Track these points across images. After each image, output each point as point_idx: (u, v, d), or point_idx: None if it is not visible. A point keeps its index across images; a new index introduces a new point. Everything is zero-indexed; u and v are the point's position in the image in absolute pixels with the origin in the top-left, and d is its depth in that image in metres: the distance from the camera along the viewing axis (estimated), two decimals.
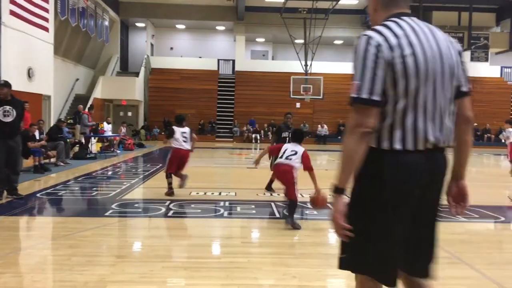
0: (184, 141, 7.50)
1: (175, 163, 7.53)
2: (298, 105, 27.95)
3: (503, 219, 6.57)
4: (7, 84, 7.18)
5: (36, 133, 10.99)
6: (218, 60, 30.33)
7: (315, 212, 6.50)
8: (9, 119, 6.88)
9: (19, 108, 7.11)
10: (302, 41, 25.42)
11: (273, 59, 32.56)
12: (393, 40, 1.83)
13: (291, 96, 24.59)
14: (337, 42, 32.14)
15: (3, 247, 4.75)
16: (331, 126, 27.51)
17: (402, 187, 1.85)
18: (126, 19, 29.09)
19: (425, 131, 1.87)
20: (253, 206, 6.74)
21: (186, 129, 7.61)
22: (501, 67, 30.79)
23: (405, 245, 1.93)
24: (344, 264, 1.99)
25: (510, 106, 29.67)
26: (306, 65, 24.78)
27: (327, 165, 15.18)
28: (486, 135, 28.26)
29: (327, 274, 3.91)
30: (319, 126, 27.32)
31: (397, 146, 1.86)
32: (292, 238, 5.29)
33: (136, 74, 27.31)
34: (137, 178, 9.98)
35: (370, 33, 1.87)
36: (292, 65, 27.52)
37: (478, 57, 26.71)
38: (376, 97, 1.81)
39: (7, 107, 6.89)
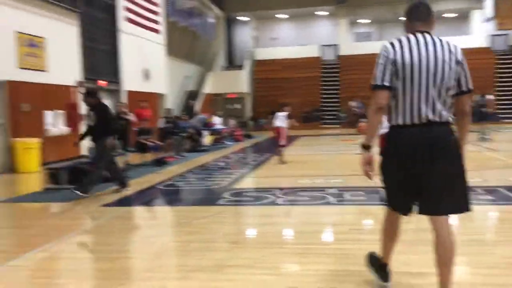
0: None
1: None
2: None
3: None
4: (88, 92, 7.77)
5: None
6: (321, 46, 30.02)
7: None
8: (91, 123, 7.41)
9: (100, 112, 7.39)
10: None
11: (378, 39, 31.39)
12: (397, 47, 2.74)
13: None
14: (448, 15, 29.95)
15: (129, 236, 5.26)
16: None
17: (401, 149, 2.73)
18: (230, 14, 29.99)
19: (419, 110, 2.69)
20: (362, 193, 6.63)
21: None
22: None
23: (421, 191, 2.72)
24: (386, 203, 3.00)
25: None
26: None
27: None
28: None
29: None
30: None
31: (400, 122, 2.75)
32: (404, 225, 5.11)
33: (241, 67, 28.10)
34: (247, 168, 10.34)
35: (385, 43, 2.82)
36: None
37: None
38: (386, 83, 2.71)
39: (90, 112, 7.43)
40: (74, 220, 6.09)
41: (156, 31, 18.36)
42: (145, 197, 7.51)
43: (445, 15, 29.74)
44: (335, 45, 29.84)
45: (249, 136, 20.32)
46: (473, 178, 7.36)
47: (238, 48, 31.63)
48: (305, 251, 4.15)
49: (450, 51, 2.71)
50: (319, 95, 28.51)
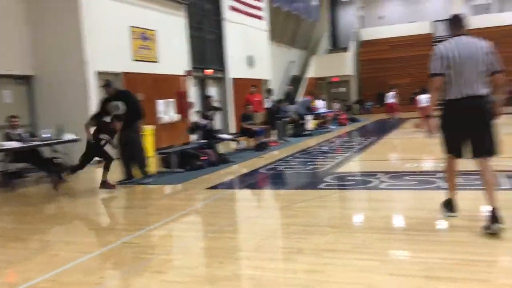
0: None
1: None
2: None
3: None
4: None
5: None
6: (432, 22, 28.09)
7: None
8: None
9: (128, 100, 7.43)
10: None
11: (498, 12, 28.54)
12: (447, 46, 3.97)
13: None
14: None
15: (232, 216, 5.41)
16: None
17: (451, 114, 4.02)
18: None
19: (464, 88, 3.88)
20: (475, 177, 6.09)
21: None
22: None
23: (467, 141, 3.95)
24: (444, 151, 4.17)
25: None
26: None
27: None
28: None
29: None
30: None
31: (449, 97, 3.97)
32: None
33: (346, 49, 27.39)
34: (350, 152, 10.08)
35: (438, 45, 4.06)
36: None
37: None
38: (438, 71, 3.95)
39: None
40: (183, 201, 6.42)
41: (259, 17, 18.56)
42: (247, 181, 7.67)
43: None
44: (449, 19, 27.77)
45: (354, 120, 19.80)
46: None
47: (342, 29, 30.84)
48: (412, 238, 3.92)
49: (479, 46, 3.93)
50: None
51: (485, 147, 3.91)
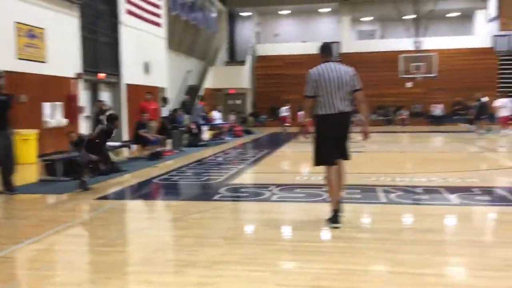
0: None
1: None
2: (409, 84, 26.59)
3: None
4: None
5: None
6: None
7: (425, 197, 6.16)
8: None
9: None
10: (411, 16, 24.03)
11: (381, 38, 31.26)
12: (318, 71, 4.75)
13: (401, 76, 23.48)
14: (451, 14, 29.82)
15: (123, 228, 5.22)
16: (447, 106, 25.73)
17: (323, 127, 4.78)
18: (233, 9, 29.87)
19: (334, 105, 4.70)
20: (358, 191, 6.58)
21: None
22: None
23: (335, 150, 4.78)
24: (315, 163, 4.93)
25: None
26: (417, 41, 23.41)
27: (444, 148, 14.31)
28: None
29: (436, 261, 3.68)
30: (433, 106, 25.76)
31: (322, 112, 4.74)
32: (400, 224, 5.08)
33: (243, 63, 28.00)
34: (245, 163, 10.28)
35: (310, 70, 4.82)
36: (401, 43, 26.22)
37: None
38: (309, 94, 4.80)
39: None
40: (68, 211, 6.04)
41: (157, 24, 18.26)
42: (140, 191, 7.46)
43: (448, 15, 29.62)
44: (337, 42, 29.72)
45: (249, 132, 20.25)
46: (471, 179, 7.35)
47: (240, 43, 31.51)
48: (298, 249, 4.10)
49: (344, 71, 4.79)
50: None
51: (346, 153, 4.86)
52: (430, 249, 3.96)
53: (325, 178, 4.86)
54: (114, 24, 15.42)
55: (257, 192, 6.79)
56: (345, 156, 4.85)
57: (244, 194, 6.89)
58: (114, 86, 15.49)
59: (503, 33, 26.60)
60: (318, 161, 4.86)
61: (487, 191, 6.51)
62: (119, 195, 6.95)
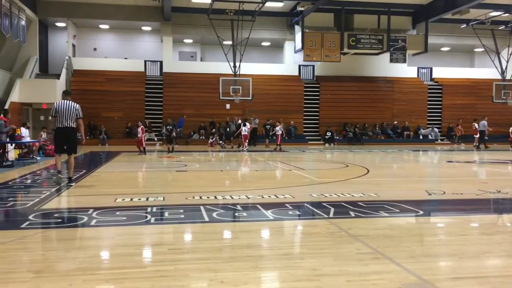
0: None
1: None
2: (228, 106, 28.02)
3: (421, 212, 6.93)
4: None
5: None
6: (145, 61, 29.62)
7: (244, 214, 6.50)
8: None
9: None
10: (230, 42, 25.48)
11: (201, 60, 32.34)
12: (58, 103, 9.65)
13: (221, 98, 24.60)
14: (264, 44, 32.52)
15: None
16: (261, 127, 27.77)
17: (57, 135, 9.73)
18: (45, 18, 27.67)
19: (63, 122, 9.51)
20: (181, 211, 6.60)
21: None
22: (418, 68, 32.68)
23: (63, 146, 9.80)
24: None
25: (426, 105, 31.57)
26: (234, 66, 24.87)
27: (257, 166, 15.31)
28: (405, 133, 29.87)
29: (254, 276, 3.89)
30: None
31: (59, 126, 9.54)
32: (221, 242, 5.23)
33: (57, 76, 26.03)
34: (59, 185, 9.46)
35: (55, 102, 9.89)
36: (221, 66, 27.53)
37: (397, 58, 28.15)
38: (54, 115, 9.63)
39: None
40: None
41: None
42: None
43: (263, 43, 32.25)
44: (160, 61, 29.76)
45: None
46: (283, 195, 8.04)
47: (54, 55, 29.24)
48: (119, 276, 3.90)
49: (72, 104, 9.57)
50: (143, 111, 28.05)
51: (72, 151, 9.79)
52: (250, 265, 4.17)
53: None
54: None
55: (73, 217, 6.29)
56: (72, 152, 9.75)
57: (58, 220, 6.31)
58: None
59: (306, 63, 30.02)
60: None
61: (297, 206, 7.18)
62: None
